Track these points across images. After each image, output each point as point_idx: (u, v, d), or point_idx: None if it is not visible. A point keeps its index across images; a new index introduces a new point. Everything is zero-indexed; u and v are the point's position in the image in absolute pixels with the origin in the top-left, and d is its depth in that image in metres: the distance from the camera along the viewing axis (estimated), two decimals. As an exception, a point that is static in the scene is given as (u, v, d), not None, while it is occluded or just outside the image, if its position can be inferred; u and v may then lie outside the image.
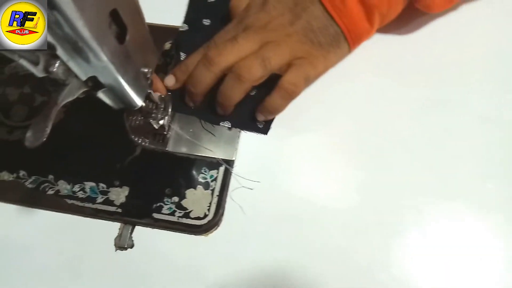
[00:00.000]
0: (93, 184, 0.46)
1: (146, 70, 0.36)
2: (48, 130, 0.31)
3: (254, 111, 0.46)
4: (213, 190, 0.45)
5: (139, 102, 0.37)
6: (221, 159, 0.46)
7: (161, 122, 0.46)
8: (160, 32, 0.52)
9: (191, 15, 0.52)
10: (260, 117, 0.44)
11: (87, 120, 0.49)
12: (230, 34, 0.42)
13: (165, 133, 0.47)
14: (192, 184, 0.45)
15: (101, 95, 0.35)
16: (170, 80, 0.46)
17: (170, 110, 0.46)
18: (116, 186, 0.45)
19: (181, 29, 0.51)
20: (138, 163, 0.46)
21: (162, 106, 0.45)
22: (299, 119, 0.47)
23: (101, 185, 0.46)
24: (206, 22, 0.51)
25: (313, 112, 0.47)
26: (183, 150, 0.46)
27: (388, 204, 0.42)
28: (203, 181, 0.45)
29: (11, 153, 0.48)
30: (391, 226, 0.42)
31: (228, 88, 0.41)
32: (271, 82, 0.44)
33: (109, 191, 0.45)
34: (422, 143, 0.45)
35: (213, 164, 0.46)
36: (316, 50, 0.42)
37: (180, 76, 0.45)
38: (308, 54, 0.42)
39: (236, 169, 0.45)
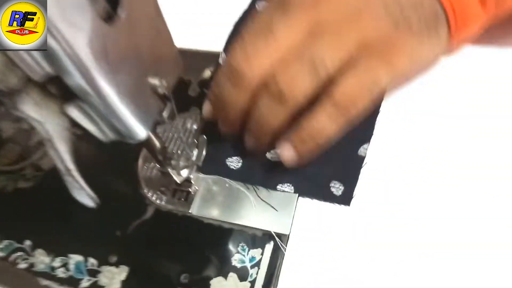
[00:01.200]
0: (80, 258, 0.31)
1: (157, 82, 0.23)
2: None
3: (327, 171, 0.31)
4: (253, 283, 0.28)
5: (141, 131, 0.23)
6: (268, 231, 0.29)
7: (183, 173, 0.31)
8: (199, 58, 0.40)
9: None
10: (287, 151, 0.27)
11: (88, 167, 0.35)
12: (264, 21, 0.26)
13: (189, 189, 0.32)
14: (222, 269, 0.29)
15: (75, 113, 0.21)
16: (206, 109, 0.31)
17: (197, 155, 0.32)
18: (112, 264, 0.30)
19: (220, 61, 0.38)
20: (146, 231, 0.31)
21: (188, 150, 0.31)
22: (390, 178, 0.30)
23: (91, 261, 0.31)
24: None
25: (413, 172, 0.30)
26: (214, 214, 0.31)
27: None
28: (238, 265, 0.29)
29: (-14, 206, 0.35)
30: None
31: (264, 112, 0.26)
32: None
33: (100, 271, 0.30)
34: None
35: (257, 239, 0.30)
36: (401, 35, 0.26)
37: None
38: (385, 40, 0.25)
39: (290, 249, 0.29)
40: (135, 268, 0.30)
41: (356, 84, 0.25)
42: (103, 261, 0.31)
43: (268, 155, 0.32)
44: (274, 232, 0.29)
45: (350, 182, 0.30)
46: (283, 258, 0.28)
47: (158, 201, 0.32)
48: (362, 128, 0.32)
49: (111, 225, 0.32)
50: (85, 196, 0.23)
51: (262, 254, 0.29)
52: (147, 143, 0.25)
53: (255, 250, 0.29)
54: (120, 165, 0.35)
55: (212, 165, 0.32)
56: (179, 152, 0.31)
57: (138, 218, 0.32)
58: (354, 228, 0.29)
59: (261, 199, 0.31)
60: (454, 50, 0.30)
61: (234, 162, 0.32)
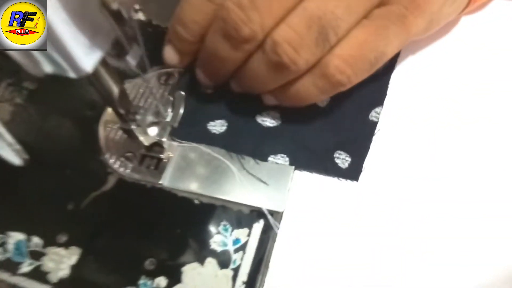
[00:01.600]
0: (21, 236, 0.25)
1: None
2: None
3: (331, 139, 0.25)
4: (236, 271, 0.22)
5: (85, 61, 0.17)
6: (258, 208, 0.24)
7: (151, 131, 0.25)
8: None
9: None
10: (269, 101, 0.25)
11: (40, 125, 0.29)
12: None
13: (161, 156, 0.26)
14: (198, 254, 0.23)
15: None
16: (169, 54, 0.25)
17: (172, 115, 0.26)
18: (60, 245, 0.25)
19: None
20: (105, 205, 0.25)
21: (161, 108, 0.25)
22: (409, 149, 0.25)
23: (35, 240, 0.25)
24: None
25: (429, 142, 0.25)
26: (190, 186, 0.25)
27: None
28: (219, 249, 0.23)
29: None
30: None
31: (260, 75, 0.22)
32: None
33: (44, 253, 0.24)
34: None
35: (243, 217, 0.24)
36: None
37: (184, 45, 0.24)
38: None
39: (283, 230, 0.23)
40: (88, 250, 0.24)
41: (359, 52, 0.20)
42: (50, 241, 0.25)
43: (259, 118, 0.26)
44: (266, 209, 0.23)
45: (358, 153, 0.25)
46: (274, 241, 0.23)
47: (121, 169, 0.26)
48: (374, 89, 0.27)
49: (62, 197, 0.26)
50: (5, 148, 0.17)
51: (248, 235, 0.23)
52: (98, 83, 0.19)
53: (240, 230, 0.23)
54: (77, 124, 0.29)
55: (188, 129, 0.26)
56: (150, 104, 0.25)
57: (96, 189, 0.26)
58: (360, 206, 0.23)
59: (247, 172, 0.25)
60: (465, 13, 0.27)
61: (217, 126, 0.26)
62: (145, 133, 0.25)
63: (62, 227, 0.25)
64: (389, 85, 0.27)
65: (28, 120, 0.30)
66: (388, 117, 0.26)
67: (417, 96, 0.26)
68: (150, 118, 0.24)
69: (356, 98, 0.26)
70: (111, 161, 0.27)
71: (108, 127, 0.28)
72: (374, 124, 0.26)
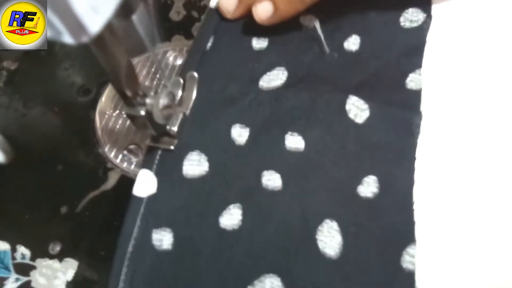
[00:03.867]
0: (5, 246, 0.21)
1: None
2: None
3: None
4: None
5: (92, 21, 0.12)
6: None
7: (164, 116, 0.21)
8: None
9: None
10: (266, 11, 0.22)
11: (23, 112, 0.25)
12: None
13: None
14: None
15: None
16: None
17: (184, 101, 0.22)
18: (52, 257, 0.21)
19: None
20: (106, 207, 0.21)
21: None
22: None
23: (22, 250, 0.21)
24: None
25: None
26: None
27: None
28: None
29: None
30: None
31: None
32: None
33: (34, 267, 0.20)
34: None
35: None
36: None
37: None
38: None
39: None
40: (87, 262, 0.20)
41: None
42: (40, 252, 0.21)
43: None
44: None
45: None
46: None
47: (124, 165, 0.22)
48: (398, 218, 0.18)
49: (54, 198, 0.22)
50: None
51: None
52: (102, 54, 0.15)
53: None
54: (69, 111, 0.24)
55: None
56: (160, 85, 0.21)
57: (95, 189, 0.22)
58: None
59: None
60: None
61: None
62: (154, 121, 0.20)
63: (54, 234, 0.21)
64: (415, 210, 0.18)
65: (8, 106, 0.25)
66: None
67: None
68: (163, 101, 0.20)
69: (378, 236, 0.18)
70: (112, 155, 0.22)
71: (106, 114, 0.24)
72: (411, 274, 0.17)
